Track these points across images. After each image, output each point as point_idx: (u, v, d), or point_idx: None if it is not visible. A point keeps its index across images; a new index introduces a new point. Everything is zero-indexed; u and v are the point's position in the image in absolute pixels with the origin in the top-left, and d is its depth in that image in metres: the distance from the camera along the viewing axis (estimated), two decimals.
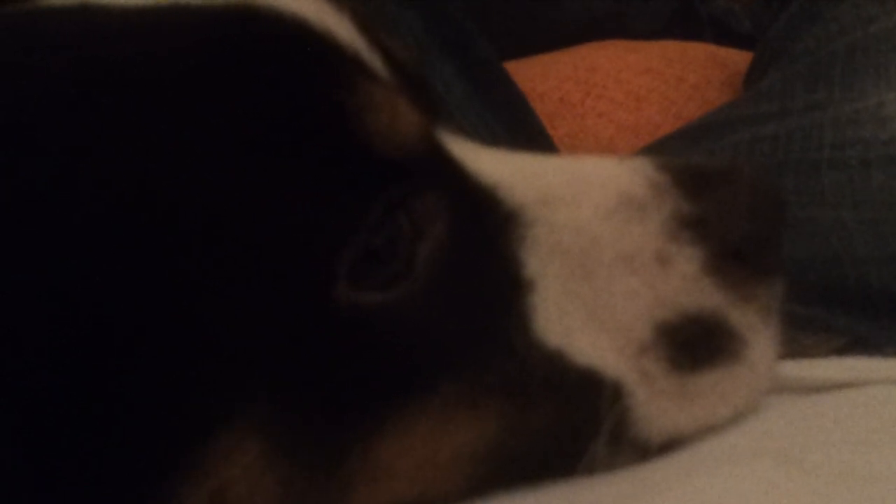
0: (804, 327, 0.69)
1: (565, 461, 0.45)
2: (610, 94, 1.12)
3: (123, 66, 0.40)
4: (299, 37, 0.43)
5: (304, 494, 0.41)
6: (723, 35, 1.29)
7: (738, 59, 1.20)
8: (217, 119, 0.40)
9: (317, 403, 0.41)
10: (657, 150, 1.01)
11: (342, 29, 0.45)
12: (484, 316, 0.46)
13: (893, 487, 0.41)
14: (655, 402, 0.47)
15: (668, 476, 0.44)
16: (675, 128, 1.08)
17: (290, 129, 0.41)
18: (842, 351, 0.63)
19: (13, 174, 0.38)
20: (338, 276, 0.41)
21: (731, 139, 0.97)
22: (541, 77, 1.16)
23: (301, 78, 0.42)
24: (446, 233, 0.45)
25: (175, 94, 0.40)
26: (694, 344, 0.48)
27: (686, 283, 0.49)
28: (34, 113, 0.39)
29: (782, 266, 0.51)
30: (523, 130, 1.06)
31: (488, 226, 0.47)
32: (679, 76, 1.15)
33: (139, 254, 0.38)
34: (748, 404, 0.48)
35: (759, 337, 0.49)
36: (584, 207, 0.49)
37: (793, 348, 0.52)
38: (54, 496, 0.38)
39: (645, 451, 0.46)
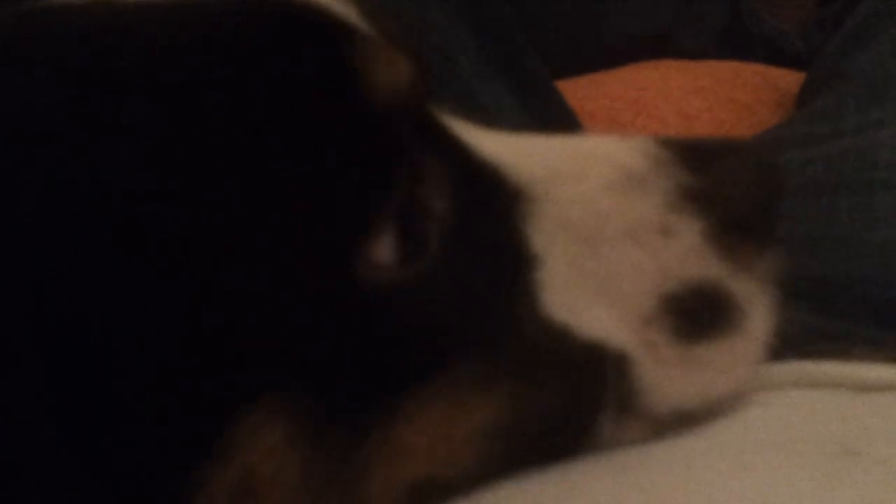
0: (853, 342, 0.68)
1: (576, 436, 0.46)
2: (660, 113, 1.12)
3: (131, 57, 0.41)
4: (312, 22, 0.44)
5: (325, 475, 0.41)
6: (775, 56, 1.28)
7: (790, 79, 1.19)
8: (228, 104, 0.41)
9: (338, 384, 0.41)
10: None
11: (347, 12, 0.46)
12: (493, 294, 0.46)
13: None
14: (661, 371, 0.47)
15: (719, 463, 0.43)
16: None
17: (302, 109, 0.41)
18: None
19: (16, 172, 0.38)
20: (358, 256, 0.42)
21: (782, 159, 0.97)
22: (591, 96, 1.16)
23: (312, 60, 0.43)
24: (452, 210, 0.45)
25: (190, 82, 0.41)
26: (697, 314, 0.49)
27: (688, 254, 0.49)
28: (41, 108, 0.39)
29: (777, 238, 0.53)
30: None
31: (494, 202, 0.48)
32: (730, 96, 1.14)
33: (161, 235, 0.39)
34: (747, 376, 0.49)
35: (758, 308, 0.50)
36: (587, 182, 0.50)
37: (844, 358, 0.51)
38: (81, 488, 0.38)
39: (653, 422, 0.47)
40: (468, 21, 1.06)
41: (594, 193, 0.49)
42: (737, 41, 1.30)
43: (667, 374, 0.47)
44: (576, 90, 1.17)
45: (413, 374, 0.43)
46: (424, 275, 0.44)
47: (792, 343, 0.66)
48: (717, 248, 0.49)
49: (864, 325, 0.81)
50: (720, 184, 0.51)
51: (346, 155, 0.42)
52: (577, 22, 1.35)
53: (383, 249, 0.42)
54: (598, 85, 1.20)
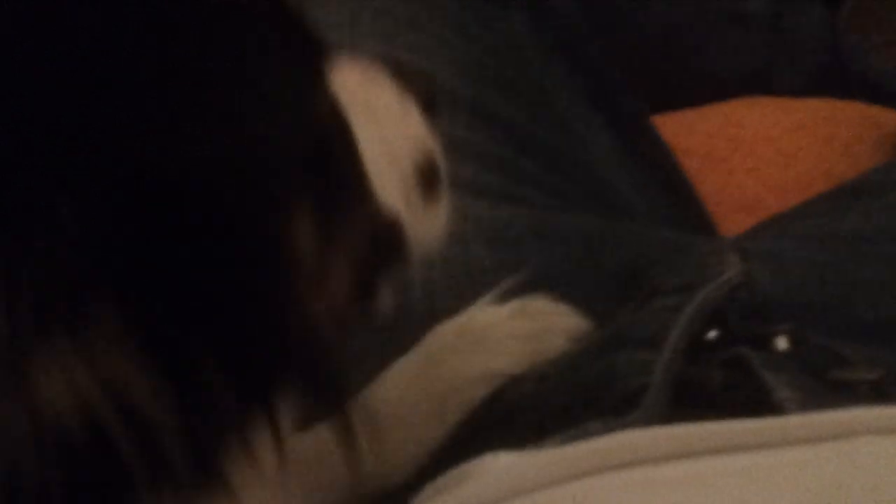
0: None
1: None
2: (759, 150, 1.11)
3: None
4: None
5: None
6: (876, 94, 1.26)
7: (892, 118, 1.17)
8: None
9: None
10: (809, 211, 0.99)
11: None
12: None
13: None
14: (415, 227, 0.61)
15: None
16: (826, 187, 1.05)
17: None
18: None
19: None
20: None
21: (885, 201, 0.95)
22: (686, 131, 1.16)
23: None
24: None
25: None
26: (426, 178, 0.62)
27: (419, 127, 0.63)
28: None
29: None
30: (670, 186, 1.05)
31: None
32: (830, 135, 1.13)
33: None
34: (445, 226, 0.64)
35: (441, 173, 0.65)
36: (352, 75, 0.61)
37: None
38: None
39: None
40: (562, 56, 1.07)
41: (357, 83, 0.60)
42: (835, 79, 1.28)
43: (417, 229, 0.61)
44: (671, 125, 1.16)
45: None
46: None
47: (873, 386, 0.64)
48: (427, 124, 0.64)
49: None
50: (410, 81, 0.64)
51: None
52: (670, 56, 1.34)
53: None
54: (694, 121, 1.19)
